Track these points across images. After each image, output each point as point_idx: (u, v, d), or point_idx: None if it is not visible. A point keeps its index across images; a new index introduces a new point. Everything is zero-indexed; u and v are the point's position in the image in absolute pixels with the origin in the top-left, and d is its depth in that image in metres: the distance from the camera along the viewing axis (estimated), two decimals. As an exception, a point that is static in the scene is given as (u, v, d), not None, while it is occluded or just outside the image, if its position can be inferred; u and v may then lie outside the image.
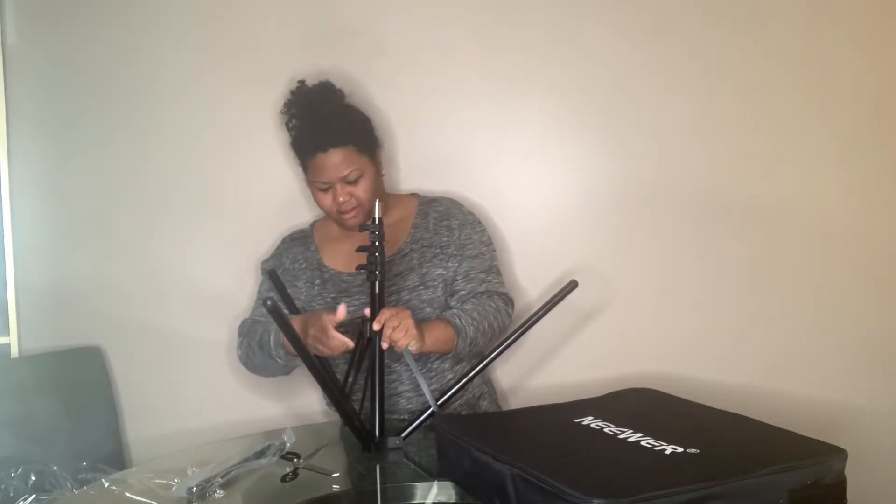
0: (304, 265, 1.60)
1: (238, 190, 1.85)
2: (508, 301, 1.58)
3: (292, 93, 1.55)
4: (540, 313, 1.43)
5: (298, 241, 1.65)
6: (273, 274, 1.14)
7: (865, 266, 1.81)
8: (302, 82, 1.55)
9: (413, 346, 1.34)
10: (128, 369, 1.86)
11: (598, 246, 1.83)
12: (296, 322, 1.39)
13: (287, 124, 1.56)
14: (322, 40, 1.81)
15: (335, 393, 1.29)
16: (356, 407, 1.36)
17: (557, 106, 1.82)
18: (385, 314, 1.32)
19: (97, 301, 1.86)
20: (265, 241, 1.74)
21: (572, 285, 1.45)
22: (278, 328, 1.40)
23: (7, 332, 1.81)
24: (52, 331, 1.84)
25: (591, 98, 1.82)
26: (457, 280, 1.55)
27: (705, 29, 1.79)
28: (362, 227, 1.38)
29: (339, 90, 1.57)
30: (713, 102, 1.80)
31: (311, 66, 1.80)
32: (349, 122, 1.53)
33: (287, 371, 1.55)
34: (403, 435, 1.34)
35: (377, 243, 1.36)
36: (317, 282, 1.58)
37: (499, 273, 1.61)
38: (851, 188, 1.80)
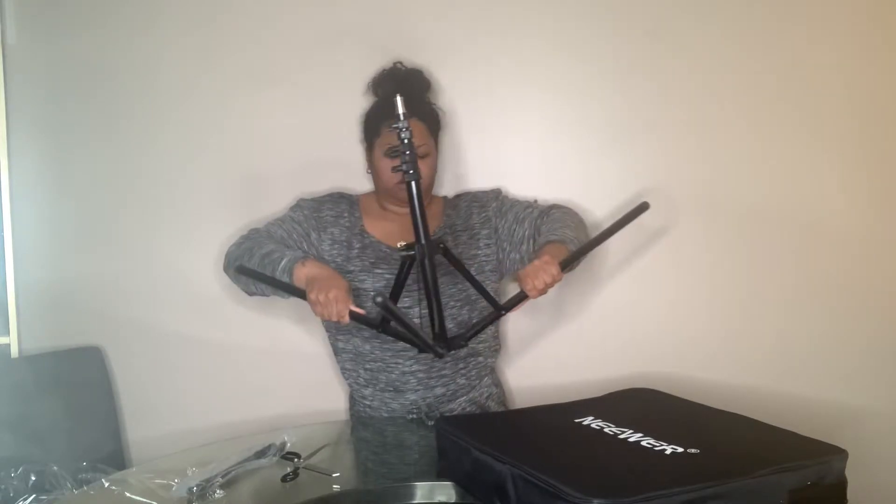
0: (345, 223, 1.64)
1: (238, 190, 1.85)
2: (560, 206, 1.67)
3: (386, 70, 1.67)
4: (611, 230, 1.47)
5: (346, 200, 1.69)
6: (385, 304, 1.12)
7: (865, 266, 1.81)
8: (398, 63, 1.68)
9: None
10: (128, 369, 1.86)
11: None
12: (313, 267, 1.44)
13: (374, 92, 1.68)
14: (325, 41, 1.81)
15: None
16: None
17: (558, 107, 1.82)
18: (537, 275, 1.37)
19: (97, 301, 1.85)
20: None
21: (644, 206, 1.52)
22: (299, 259, 1.46)
23: (7, 332, 1.81)
24: (52, 331, 1.84)
25: (591, 99, 1.82)
26: (515, 230, 1.63)
27: (703, 30, 1.79)
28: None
29: (428, 80, 1.70)
30: (712, 104, 1.80)
31: (314, 66, 1.80)
32: (428, 106, 1.66)
33: (264, 292, 1.57)
34: (467, 336, 1.45)
35: (407, 141, 1.34)
36: (356, 245, 1.61)
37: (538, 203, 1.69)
38: (851, 189, 1.80)
